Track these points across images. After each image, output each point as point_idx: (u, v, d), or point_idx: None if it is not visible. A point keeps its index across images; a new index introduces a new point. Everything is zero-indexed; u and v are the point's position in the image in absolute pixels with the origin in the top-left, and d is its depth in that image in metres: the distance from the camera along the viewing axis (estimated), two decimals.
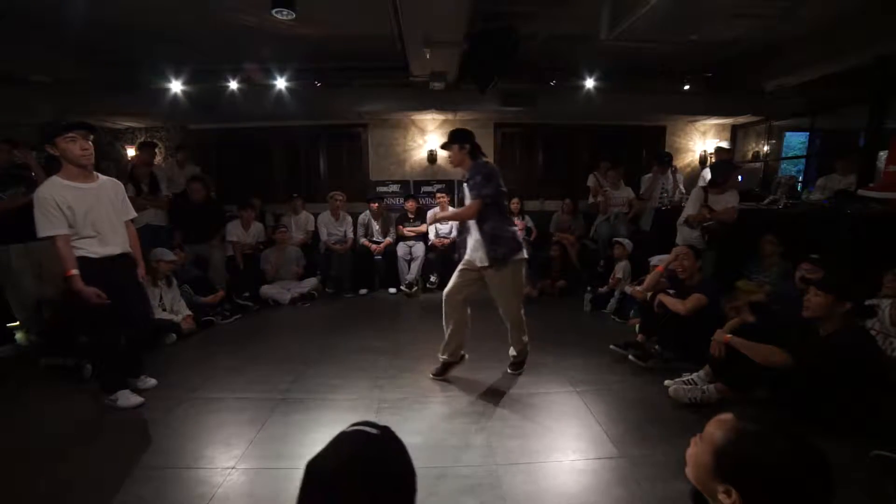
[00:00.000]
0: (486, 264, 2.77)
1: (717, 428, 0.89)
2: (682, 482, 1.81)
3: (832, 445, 1.97)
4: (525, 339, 3.01)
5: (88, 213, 2.47)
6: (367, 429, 0.71)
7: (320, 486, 0.65)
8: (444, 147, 2.92)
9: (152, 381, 2.90)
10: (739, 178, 5.01)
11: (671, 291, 3.25)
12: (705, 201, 3.90)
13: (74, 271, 2.40)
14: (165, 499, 1.87)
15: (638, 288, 3.61)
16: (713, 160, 5.93)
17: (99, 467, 2.07)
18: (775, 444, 0.82)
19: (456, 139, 2.84)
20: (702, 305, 2.99)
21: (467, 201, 2.82)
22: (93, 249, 2.50)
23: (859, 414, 2.17)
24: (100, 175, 2.63)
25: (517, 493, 1.88)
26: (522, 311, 2.96)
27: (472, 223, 2.83)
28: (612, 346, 3.32)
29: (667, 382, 2.74)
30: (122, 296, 2.58)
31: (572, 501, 1.84)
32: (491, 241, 2.72)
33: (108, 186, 2.64)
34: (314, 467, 0.67)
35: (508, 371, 3.06)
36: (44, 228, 2.36)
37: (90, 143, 2.48)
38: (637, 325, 3.50)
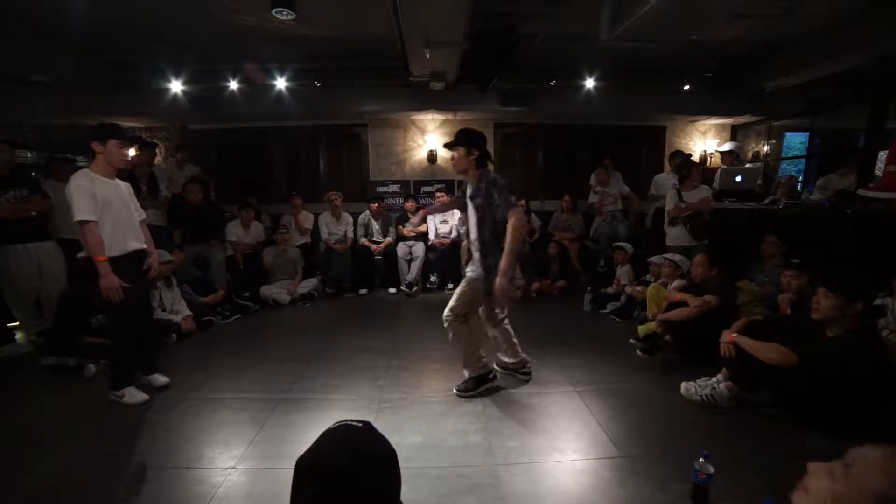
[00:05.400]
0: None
1: (867, 469, 0.80)
2: (681, 482, 1.83)
3: (832, 445, 1.99)
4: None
5: (109, 206, 2.58)
6: (352, 422, 0.77)
7: (310, 476, 0.68)
8: (448, 146, 2.63)
9: (164, 379, 2.92)
10: (738, 178, 5.01)
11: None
12: (680, 198, 4.26)
13: (104, 257, 2.47)
14: (165, 499, 1.86)
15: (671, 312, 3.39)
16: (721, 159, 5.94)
17: (98, 467, 2.07)
18: None
19: (464, 141, 2.52)
20: (711, 306, 2.99)
21: (472, 217, 2.59)
22: (107, 243, 2.57)
23: (860, 414, 2.16)
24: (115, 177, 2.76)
25: (517, 493, 1.88)
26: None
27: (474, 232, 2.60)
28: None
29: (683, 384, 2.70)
30: (139, 290, 2.69)
31: (572, 501, 1.84)
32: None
33: (122, 187, 2.75)
34: (303, 462, 0.70)
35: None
36: (82, 212, 2.45)
37: (129, 152, 2.77)
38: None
